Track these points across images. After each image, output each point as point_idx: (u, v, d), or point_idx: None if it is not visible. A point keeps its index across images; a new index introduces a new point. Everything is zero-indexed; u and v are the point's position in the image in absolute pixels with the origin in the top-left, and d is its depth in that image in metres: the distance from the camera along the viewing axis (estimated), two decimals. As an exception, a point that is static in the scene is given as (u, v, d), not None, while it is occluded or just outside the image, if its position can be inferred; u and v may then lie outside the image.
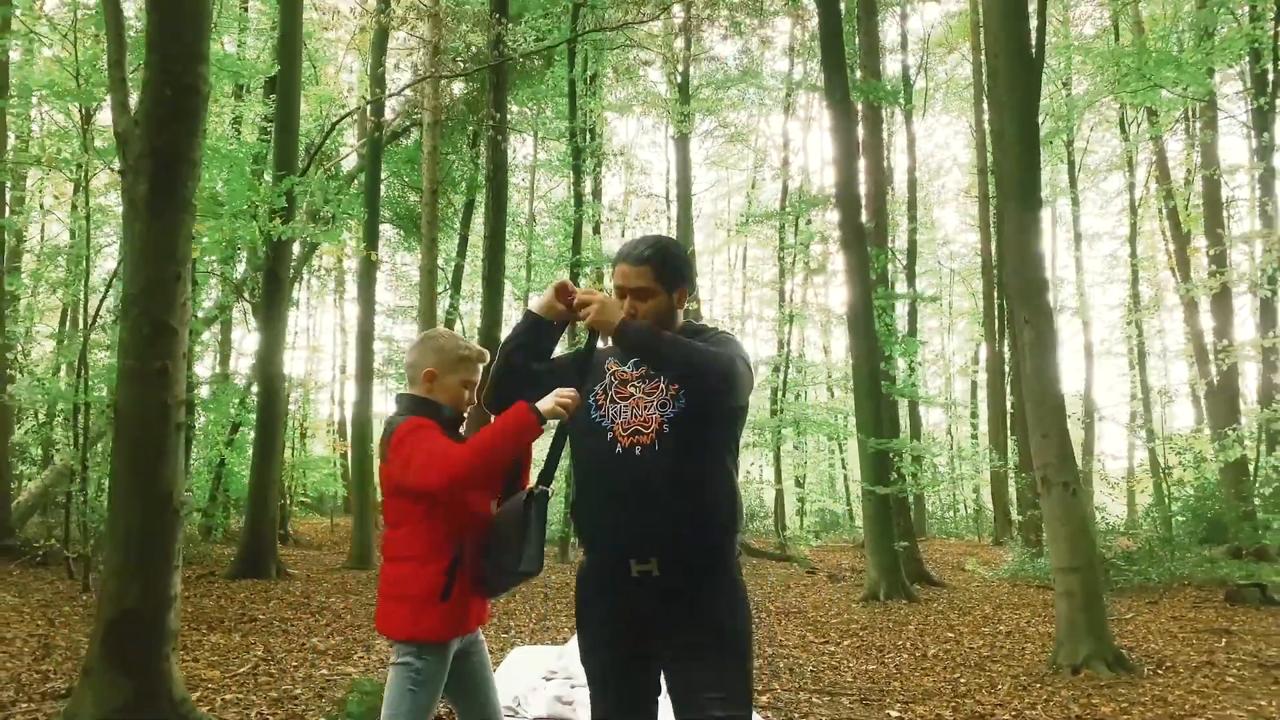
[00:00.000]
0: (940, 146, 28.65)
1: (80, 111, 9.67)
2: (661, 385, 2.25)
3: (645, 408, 2.24)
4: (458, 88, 15.91)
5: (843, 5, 12.23)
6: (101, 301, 9.48)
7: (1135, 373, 26.33)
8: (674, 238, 2.48)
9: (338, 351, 26.62)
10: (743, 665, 2.18)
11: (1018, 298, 7.13)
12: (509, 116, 13.01)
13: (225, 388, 14.18)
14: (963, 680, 6.28)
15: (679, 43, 16.01)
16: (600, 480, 2.25)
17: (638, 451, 2.19)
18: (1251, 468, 16.26)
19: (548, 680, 4.00)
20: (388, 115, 13.79)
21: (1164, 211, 21.19)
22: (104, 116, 10.21)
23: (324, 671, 5.84)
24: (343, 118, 9.86)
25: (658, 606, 2.16)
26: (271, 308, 11.41)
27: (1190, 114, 19.59)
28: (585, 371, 2.36)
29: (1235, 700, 5.66)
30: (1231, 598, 10.74)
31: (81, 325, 9.45)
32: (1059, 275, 30.75)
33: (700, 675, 2.12)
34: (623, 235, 28.15)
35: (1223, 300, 17.39)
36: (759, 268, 31.10)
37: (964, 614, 9.75)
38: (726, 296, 32.81)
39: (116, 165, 4.77)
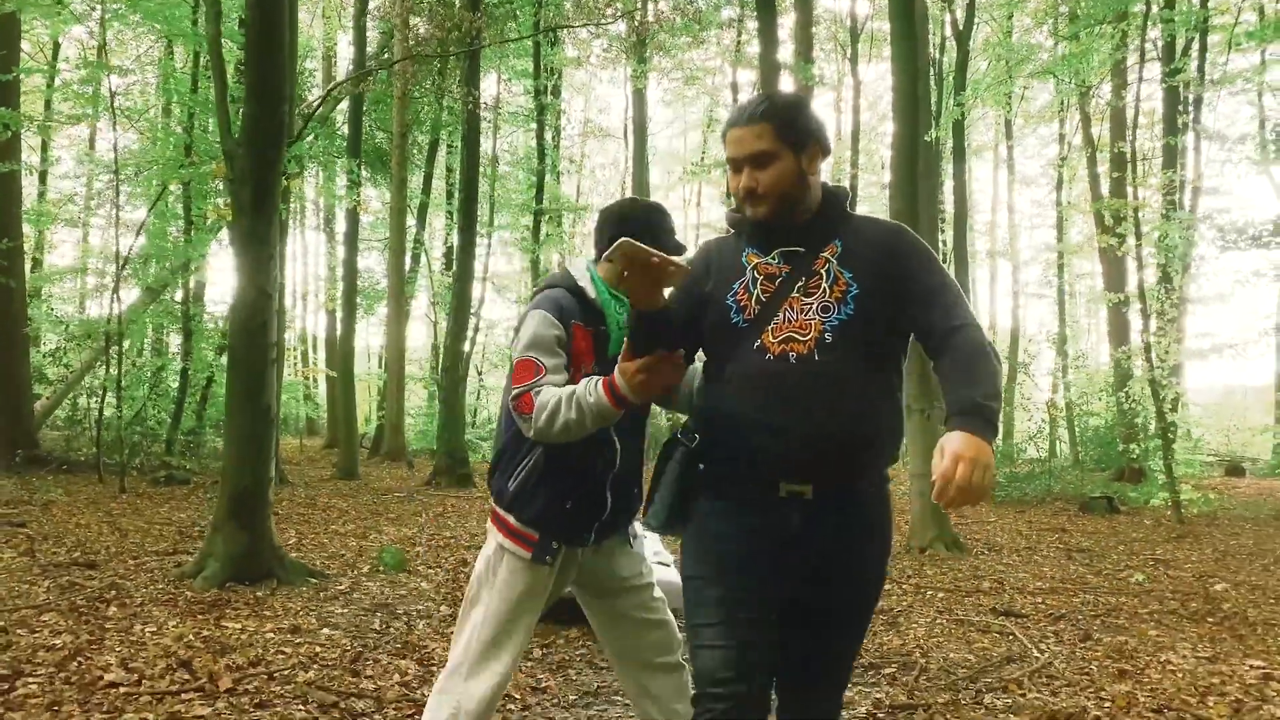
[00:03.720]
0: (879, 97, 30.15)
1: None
2: (824, 285, 1.89)
3: (802, 310, 1.87)
4: (424, 29, 17.15)
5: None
6: (131, 247, 10.96)
7: (1059, 312, 28.76)
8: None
9: (297, 280, 27.94)
10: (867, 622, 2.04)
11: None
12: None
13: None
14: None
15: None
16: (744, 392, 1.88)
17: (793, 359, 1.84)
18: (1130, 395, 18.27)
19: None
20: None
21: (1088, 161, 23.18)
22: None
23: (352, 543, 7.68)
24: (336, 85, 11.14)
25: (805, 532, 1.87)
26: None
27: (1119, 68, 21.42)
28: (712, 269, 2.01)
29: (1030, 569, 7.74)
30: (1084, 508, 12.97)
31: (115, 267, 10.89)
32: (996, 219, 32.98)
33: (828, 634, 1.95)
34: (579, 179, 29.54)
35: (1118, 262, 19.56)
36: (711, 207, 32.85)
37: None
38: (682, 232, 34.54)
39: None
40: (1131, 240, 17.17)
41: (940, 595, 6.54)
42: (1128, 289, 19.77)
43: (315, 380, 26.69)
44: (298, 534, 8.10)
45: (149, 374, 13.88)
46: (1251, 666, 4.64)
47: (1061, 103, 26.02)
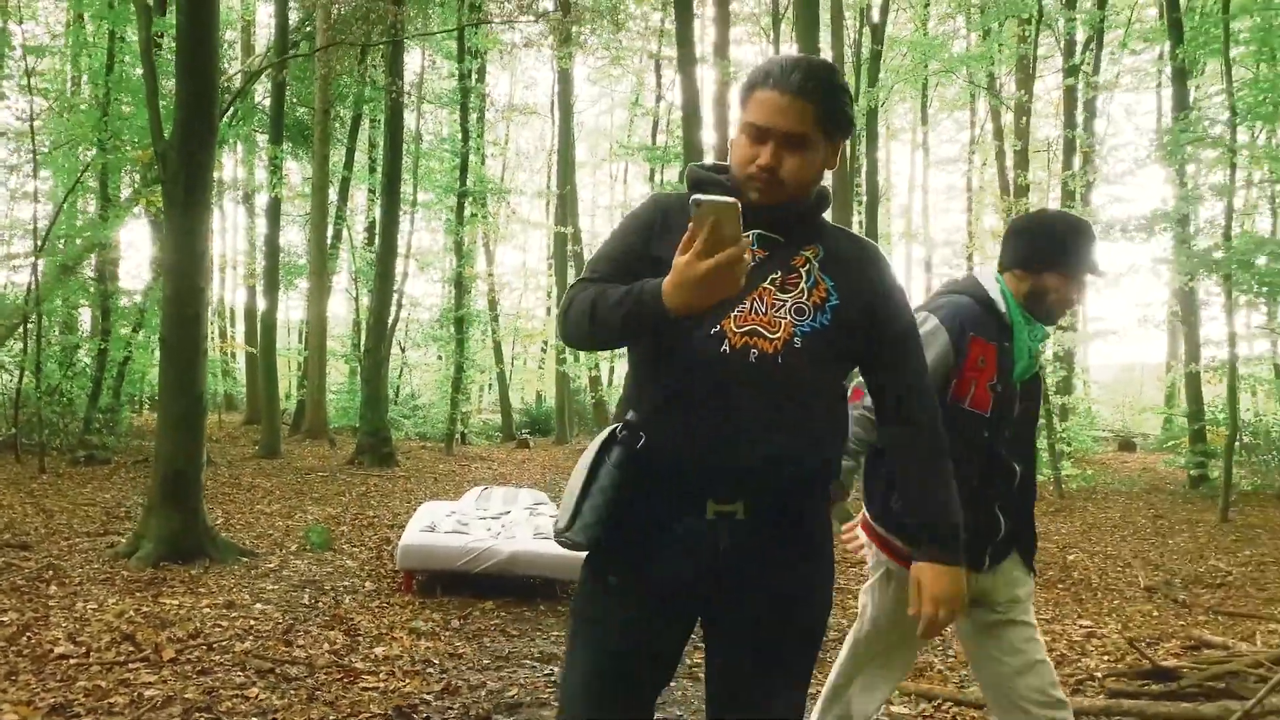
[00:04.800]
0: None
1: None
2: (803, 285, 1.67)
3: (774, 306, 1.64)
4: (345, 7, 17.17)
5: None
6: (50, 227, 10.95)
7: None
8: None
9: (216, 253, 27.56)
10: (813, 652, 1.75)
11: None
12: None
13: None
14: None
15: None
16: (689, 384, 1.60)
17: (752, 357, 1.59)
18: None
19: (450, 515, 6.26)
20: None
21: (996, 151, 24.25)
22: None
23: (279, 522, 8.01)
24: (262, 70, 11.21)
25: (731, 558, 1.63)
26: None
27: (1023, 63, 22.44)
28: (667, 228, 1.68)
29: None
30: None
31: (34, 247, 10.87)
32: (912, 200, 34.28)
33: (760, 660, 1.69)
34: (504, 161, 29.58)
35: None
36: (636, 184, 33.29)
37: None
38: (607, 209, 34.98)
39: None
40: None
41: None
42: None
43: (234, 355, 26.45)
44: (224, 514, 8.37)
45: (63, 352, 13.80)
46: (1081, 626, 5.36)
47: (971, 94, 27.14)
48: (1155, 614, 5.80)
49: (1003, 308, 2.28)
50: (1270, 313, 14.38)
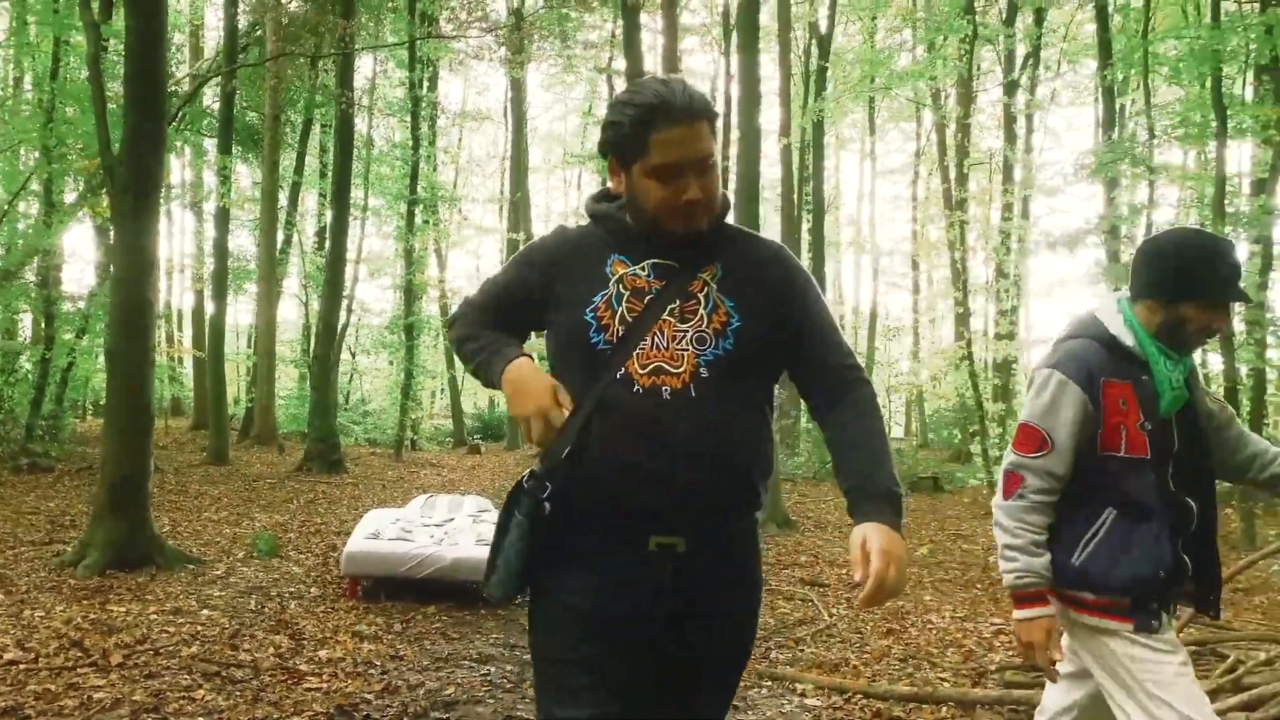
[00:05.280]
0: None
1: None
2: (702, 312, 1.66)
3: (675, 338, 1.64)
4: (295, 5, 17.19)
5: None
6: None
7: (914, 298, 30.86)
8: None
9: (162, 256, 27.28)
10: (743, 668, 1.82)
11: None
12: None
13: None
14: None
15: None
16: (606, 431, 1.61)
17: (665, 395, 1.60)
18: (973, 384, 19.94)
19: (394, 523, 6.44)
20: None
21: (940, 164, 24.94)
22: None
23: (226, 529, 8.11)
24: (210, 77, 11.24)
25: (676, 586, 1.64)
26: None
27: (965, 76, 23.10)
28: (563, 265, 1.73)
29: (845, 545, 8.78)
30: (913, 487, 14.32)
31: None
32: (861, 210, 35.01)
33: (709, 684, 1.75)
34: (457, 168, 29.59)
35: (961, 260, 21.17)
36: (591, 190, 33.51)
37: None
38: (561, 215, 35.17)
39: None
40: (972, 242, 18.76)
41: (763, 568, 7.49)
42: (968, 285, 21.57)
43: (180, 360, 26.19)
44: (171, 521, 8.45)
45: (4, 358, 13.66)
46: (992, 623, 5.71)
47: (916, 107, 27.86)
48: (1063, 612, 6.17)
49: (1130, 342, 2.09)
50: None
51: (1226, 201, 11.15)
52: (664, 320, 1.65)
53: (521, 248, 1.84)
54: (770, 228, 30.65)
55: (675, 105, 1.58)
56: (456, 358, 1.84)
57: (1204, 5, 16.05)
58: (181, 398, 25.76)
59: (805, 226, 23.28)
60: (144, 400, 6.04)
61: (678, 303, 1.66)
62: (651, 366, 1.62)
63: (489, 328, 1.78)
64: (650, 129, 1.59)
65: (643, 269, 1.68)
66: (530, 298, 1.75)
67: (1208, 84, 11.76)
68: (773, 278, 1.74)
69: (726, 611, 1.73)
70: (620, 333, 1.64)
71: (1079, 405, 2.06)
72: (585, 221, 1.85)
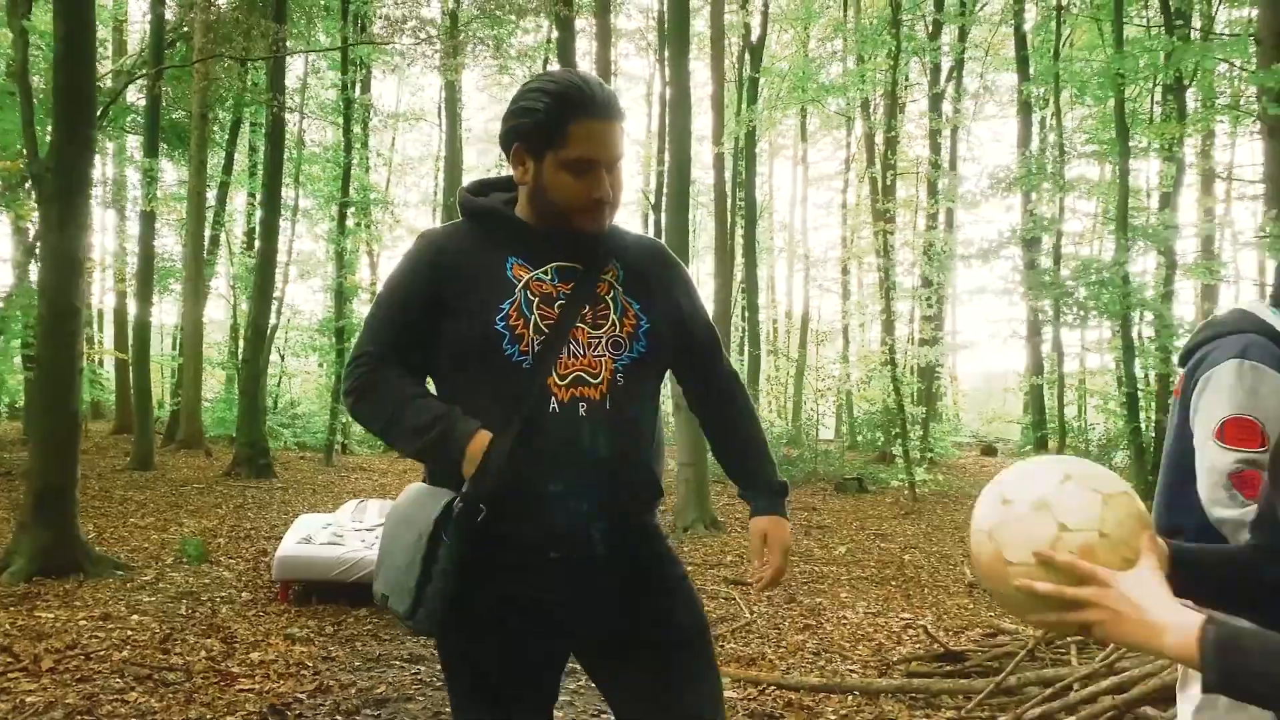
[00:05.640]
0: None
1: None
2: (613, 316, 1.62)
3: (590, 345, 1.58)
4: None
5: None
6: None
7: (844, 303, 31.59)
8: None
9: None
10: (708, 639, 1.77)
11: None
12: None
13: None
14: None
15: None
16: (525, 449, 1.54)
17: (583, 410, 1.56)
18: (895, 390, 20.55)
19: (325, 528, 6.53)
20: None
21: (867, 173, 25.58)
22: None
23: (153, 535, 8.08)
24: (136, 78, 11.07)
25: (595, 590, 1.63)
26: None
27: (890, 90, 23.74)
28: (462, 278, 1.61)
29: (770, 545, 9.12)
30: (838, 488, 14.75)
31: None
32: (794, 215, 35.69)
33: (671, 669, 1.66)
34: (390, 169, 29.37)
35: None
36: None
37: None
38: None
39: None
40: (899, 248, 19.32)
41: (689, 569, 7.74)
42: (890, 293, 22.23)
43: (101, 361, 25.55)
44: (96, 528, 8.37)
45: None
46: (902, 619, 6.03)
47: (847, 118, 28.53)
48: (970, 607, 6.53)
49: None
50: (1115, 330, 15.74)
51: (1134, 215, 11.82)
52: (578, 326, 1.60)
53: (389, 288, 1.68)
54: (704, 233, 31.10)
55: (597, 100, 1.55)
56: (381, 433, 1.65)
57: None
58: (102, 401, 25.13)
59: (739, 232, 23.76)
60: (71, 408, 6.04)
61: (588, 308, 1.62)
62: (571, 377, 1.57)
63: (403, 382, 1.64)
64: (570, 119, 1.54)
65: (546, 273, 1.62)
66: (424, 324, 1.63)
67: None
68: (663, 276, 1.74)
69: (656, 597, 1.69)
70: (537, 344, 1.57)
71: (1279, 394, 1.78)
72: (454, 219, 1.74)
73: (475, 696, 1.66)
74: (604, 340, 1.60)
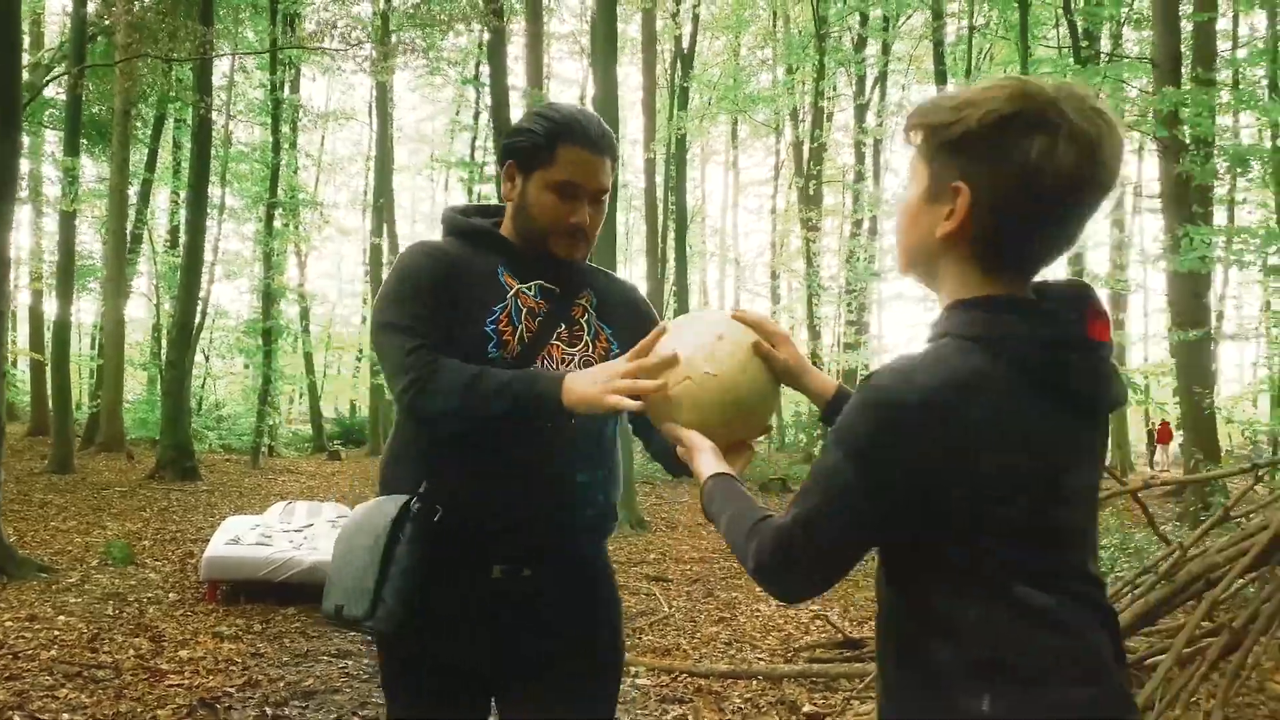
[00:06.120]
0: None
1: None
2: (587, 338, 1.68)
3: (564, 362, 1.63)
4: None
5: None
6: None
7: (774, 307, 32.23)
8: None
9: None
10: (618, 681, 1.79)
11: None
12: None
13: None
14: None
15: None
16: (492, 453, 1.58)
17: (547, 428, 1.58)
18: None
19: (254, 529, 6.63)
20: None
21: (795, 182, 26.18)
22: None
23: (76, 538, 8.05)
24: (56, 76, 10.89)
25: (526, 613, 1.64)
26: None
27: (814, 103, 24.30)
28: (461, 282, 1.64)
29: (691, 543, 9.44)
30: (763, 488, 15.15)
31: None
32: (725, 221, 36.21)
33: (578, 703, 1.67)
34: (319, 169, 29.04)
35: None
36: (458, 193, 33.49)
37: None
38: (428, 217, 34.98)
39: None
40: (826, 254, 19.85)
41: (615, 566, 8.00)
42: (813, 298, 22.92)
43: (15, 361, 24.81)
44: (17, 531, 8.29)
45: None
46: (810, 610, 6.37)
47: (775, 126, 29.15)
48: (873, 599, 6.90)
49: None
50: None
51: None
52: (553, 344, 1.65)
53: (399, 286, 1.65)
54: (636, 236, 31.45)
55: (590, 131, 1.62)
56: (462, 406, 1.51)
57: (1032, 44, 17.60)
58: (16, 402, 24.41)
59: (670, 236, 24.14)
60: (-5, 410, 6.05)
61: (564, 326, 1.67)
62: None
63: (461, 362, 1.57)
64: (561, 142, 1.61)
65: (529, 288, 1.67)
66: (438, 317, 1.61)
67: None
68: (634, 314, 1.79)
69: (585, 629, 1.71)
70: (518, 351, 1.61)
71: None
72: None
73: (415, 695, 1.69)
74: (577, 359, 1.66)
